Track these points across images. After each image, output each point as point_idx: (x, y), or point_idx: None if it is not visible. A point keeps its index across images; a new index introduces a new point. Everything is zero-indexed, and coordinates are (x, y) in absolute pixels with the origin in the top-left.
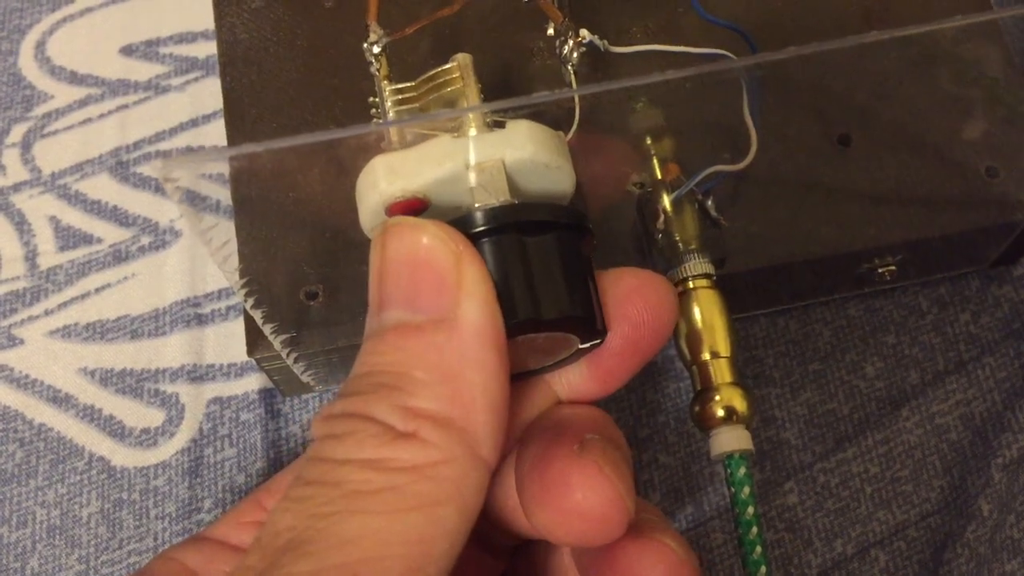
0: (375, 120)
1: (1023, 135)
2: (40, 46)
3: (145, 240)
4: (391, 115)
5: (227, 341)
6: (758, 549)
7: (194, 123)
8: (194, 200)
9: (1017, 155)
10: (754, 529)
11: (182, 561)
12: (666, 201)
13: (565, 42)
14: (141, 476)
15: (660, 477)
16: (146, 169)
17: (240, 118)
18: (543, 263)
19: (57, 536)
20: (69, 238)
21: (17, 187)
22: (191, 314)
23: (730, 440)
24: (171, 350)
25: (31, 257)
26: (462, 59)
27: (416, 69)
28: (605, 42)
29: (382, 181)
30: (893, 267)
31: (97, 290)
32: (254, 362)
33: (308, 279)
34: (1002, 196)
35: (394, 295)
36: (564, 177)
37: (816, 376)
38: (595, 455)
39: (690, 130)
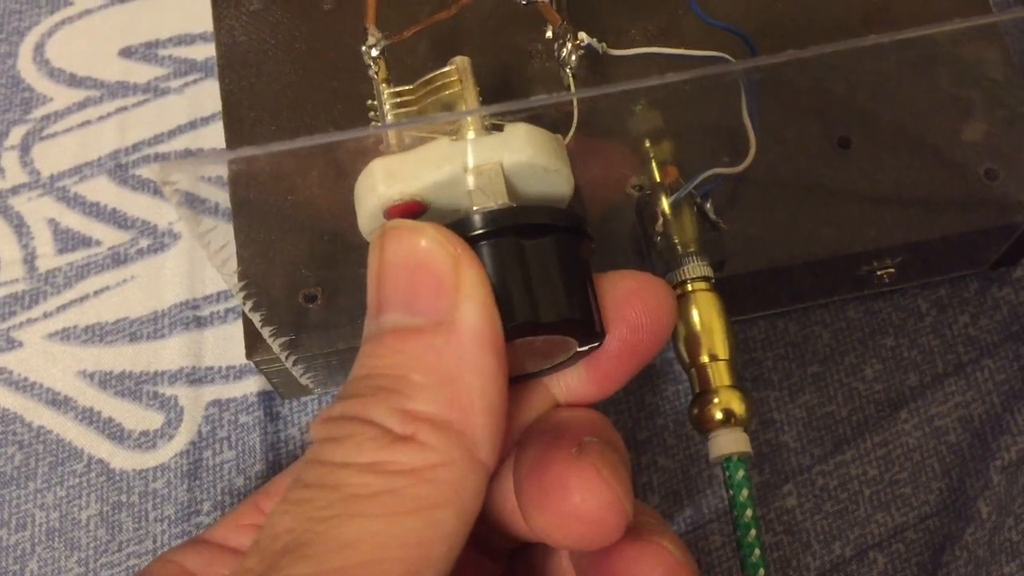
0: (373, 123)
1: (1023, 137)
2: (39, 48)
3: (144, 243)
4: (389, 118)
5: (226, 344)
6: (757, 551)
7: (193, 125)
8: (193, 203)
9: (1017, 157)
10: (753, 531)
11: (181, 564)
12: (665, 204)
13: (564, 45)
14: (140, 478)
15: (659, 479)
16: (145, 172)
17: (239, 120)
18: (541, 266)
19: (56, 539)
20: (68, 240)
21: (16, 189)
22: (190, 317)
23: (728, 443)
24: (170, 352)
25: (30, 259)
26: (460, 62)
27: (414, 72)
28: (604, 45)
29: (380, 184)
30: (892, 269)
31: (96, 292)
32: (253, 365)
33: (307, 282)
34: (1002, 198)
35: (392, 298)
36: (562, 180)
37: (815, 378)
38: (593, 458)
39: (689, 132)
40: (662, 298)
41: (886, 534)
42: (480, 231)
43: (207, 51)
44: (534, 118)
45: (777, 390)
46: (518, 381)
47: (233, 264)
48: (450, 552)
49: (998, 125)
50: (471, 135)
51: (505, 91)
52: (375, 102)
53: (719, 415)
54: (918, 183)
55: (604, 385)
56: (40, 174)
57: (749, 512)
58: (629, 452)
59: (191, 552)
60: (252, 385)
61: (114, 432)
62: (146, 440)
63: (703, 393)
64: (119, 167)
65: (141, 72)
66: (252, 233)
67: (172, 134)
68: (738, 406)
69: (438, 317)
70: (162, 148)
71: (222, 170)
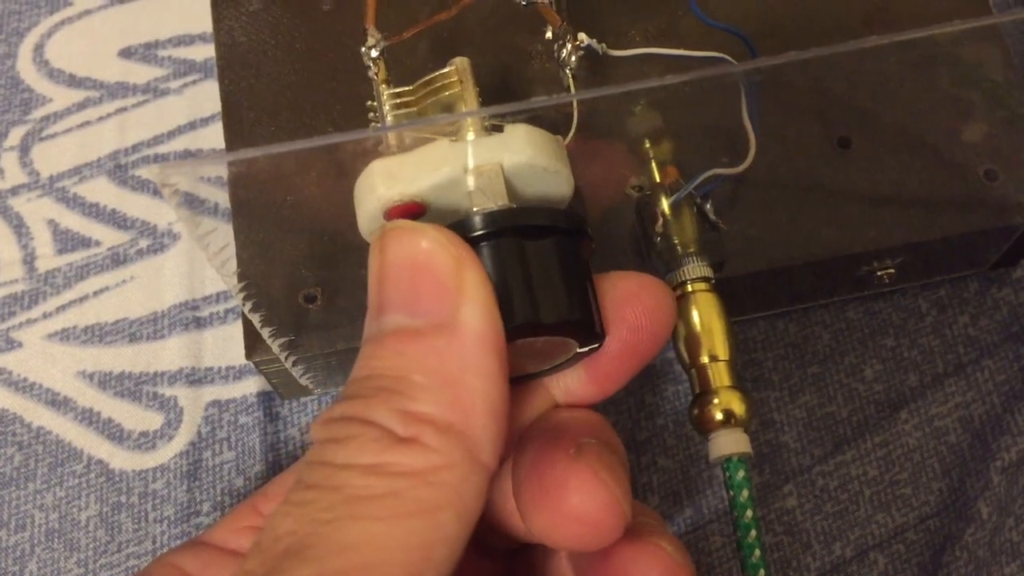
0: (373, 124)
1: (1023, 138)
2: (38, 49)
3: (143, 243)
4: (389, 119)
5: (225, 344)
6: (757, 552)
7: (192, 126)
8: (192, 203)
9: (1017, 158)
10: (753, 532)
11: (179, 566)
12: (665, 204)
13: (563, 45)
14: (140, 479)
15: (659, 480)
16: (144, 172)
17: (238, 121)
18: (542, 267)
19: (56, 539)
20: (67, 241)
21: (15, 190)
22: (189, 317)
23: (729, 443)
24: (169, 353)
25: (29, 260)
26: (460, 63)
27: (414, 72)
28: (603, 45)
29: (380, 186)
30: (892, 270)
31: (95, 293)
32: (252, 365)
33: (306, 282)
34: (1002, 199)
35: (394, 299)
36: (562, 181)
37: (815, 379)
38: (591, 459)
39: (689, 133)
40: (661, 299)
41: (886, 535)
42: (481, 232)
43: (206, 52)
44: (534, 119)
45: (777, 390)
46: (517, 382)
47: (233, 265)
48: (452, 554)
49: (998, 126)
50: (471, 136)
51: (505, 92)
52: (375, 103)
53: (719, 416)
54: (918, 184)
55: (603, 386)
56: (40, 175)
57: (749, 513)
58: (629, 453)
59: (189, 554)
60: (252, 386)
61: (114, 433)
62: (146, 441)
63: (703, 394)
64: (119, 168)
65: (141, 73)
66: (252, 234)
67: (172, 135)
68: (738, 407)
69: (440, 319)
70: (162, 149)
71: (222, 171)
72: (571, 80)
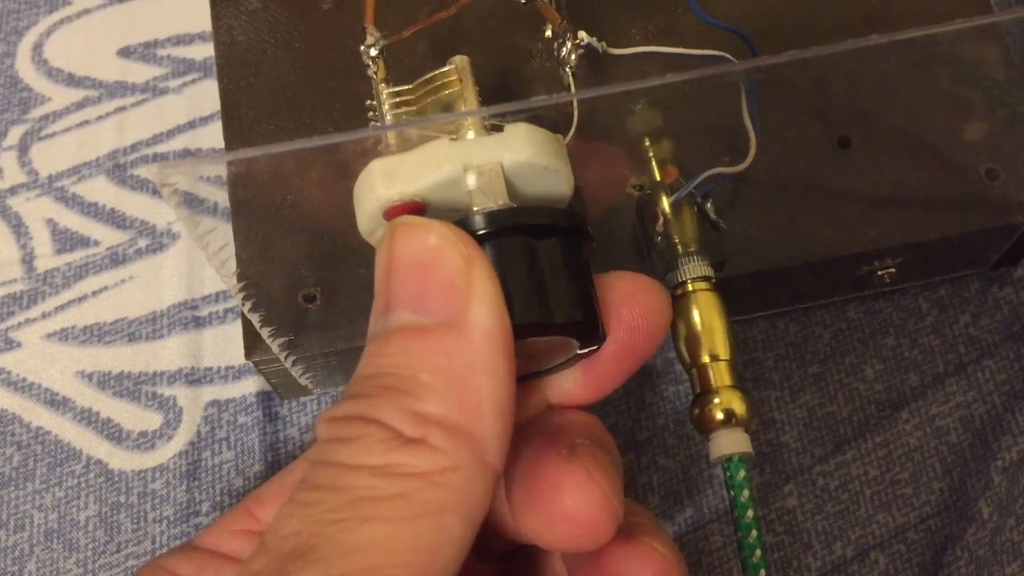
0: (373, 123)
1: (1023, 137)
2: (37, 48)
3: (142, 243)
4: (389, 118)
5: (225, 344)
6: (757, 552)
7: (191, 125)
8: (191, 202)
9: (1017, 157)
10: (753, 532)
11: (172, 570)
12: (665, 204)
13: (563, 44)
14: (139, 479)
15: (659, 480)
16: (143, 172)
17: (237, 120)
18: (549, 267)
19: (55, 540)
20: (66, 241)
21: (14, 190)
22: (189, 317)
23: (729, 443)
24: (169, 353)
25: (28, 260)
26: (460, 61)
27: (414, 71)
28: (603, 44)
29: (380, 185)
30: (893, 269)
31: (94, 293)
32: (252, 365)
33: (306, 282)
34: (1002, 198)
35: (402, 296)
36: (563, 180)
37: (815, 379)
38: (584, 460)
39: (689, 132)
40: (657, 300)
41: (887, 534)
42: (488, 230)
43: (206, 51)
44: (534, 118)
45: (778, 390)
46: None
47: (232, 265)
48: (457, 556)
49: (999, 125)
50: (471, 135)
51: (505, 90)
52: (374, 102)
53: (720, 415)
54: (919, 183)
55: (599, 387)
56: (38, 174)
57: (750, 513)
58: (630, 452)
59: (182, 558)
60: (251, 385)
61: (113, 433)
62: (145, 441)
63: (704, 393)
64: (118, 167)
65: (140, 72)
66: (251, 233)
67: (171, 134)
68: (739, 406)
69: (449, 317)
70: (161, 148)
71: (221, 171)
72: (571, 79)
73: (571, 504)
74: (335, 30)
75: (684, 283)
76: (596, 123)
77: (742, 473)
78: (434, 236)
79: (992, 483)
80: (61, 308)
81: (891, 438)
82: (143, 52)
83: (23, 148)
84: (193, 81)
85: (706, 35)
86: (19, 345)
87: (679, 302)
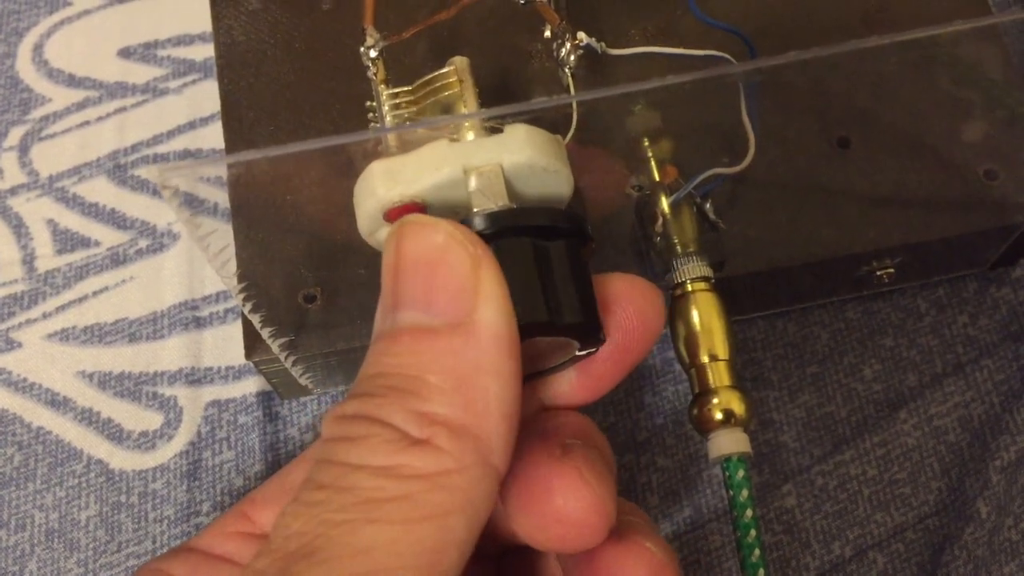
0: (372, 124)
1: (1022, 137)
2: (38, 49)
3: (143, 243)
4: (388, 119)
5: (225, 344)
6: (756, 552)
7: (192, 126)
8: (192, 203)
9: (1016, 157)
10: (752, 532)
11: (168, 572)
12: (664, 204)
13: (562, 44)
14: (139, 479)
15: (658, 480)
16: (144, 173)
17: (238, 121)
18: (554, 268)
19: (56, 539)
20: (67, 241)
21: (15, 190)
22: (189, 317)
23: (728, 443)
24: (169, 353)
25: (29, 260)
26: (459, 62)
27: (413, 72)
28: (602, 44)
29: (380, 187)
30: (892, 270)
31: (95, 293)
32: (252, 365)
33: (306, 282)
34: (1001, 199)
35: (409, 295)
36: (562, 181)
37: (814, 379)
38: (577, 461)
39: (688, 133)
40: (651, 301)
41: (885, 534)
42: (494, 231)
43: (206, 51)
44: (533, 119)
45: (776, 390)
46: None
47: (232, 266)
48: (460, 558)
49: (998, 126)
50: (471, 136)
51: (504, 91)
52: (374, 103)
53: (719, 415)
54: (918, 183)
55: (593, 388)
56: (39, 175)
57: (749, 512)
58: (629, 452)
59: (178, 560)
60: (251, 385)
61: (113, 433)
62: (145, 441)
63: (703, 393)
64: (118, 167)
65: (140, 72)
66: (251, 234)
67: (171, 134)
68: (738, 406)
69: (456, 318)
70: (161, 149)
71: (221, 173)
72: (570, 79)
73: (563, 505)
74: (335, 30)
75: (683, 283)
76: (595, 124)
77: (741, 473)
78: (441, 235)
79: (990, 483)
80: (62, 308)
81: (889, 438)
82: (143, 53)
83: (24, 149)
84: (193, 82)
85: (705, 35)
86: (20, 345)
87: (678, 302)
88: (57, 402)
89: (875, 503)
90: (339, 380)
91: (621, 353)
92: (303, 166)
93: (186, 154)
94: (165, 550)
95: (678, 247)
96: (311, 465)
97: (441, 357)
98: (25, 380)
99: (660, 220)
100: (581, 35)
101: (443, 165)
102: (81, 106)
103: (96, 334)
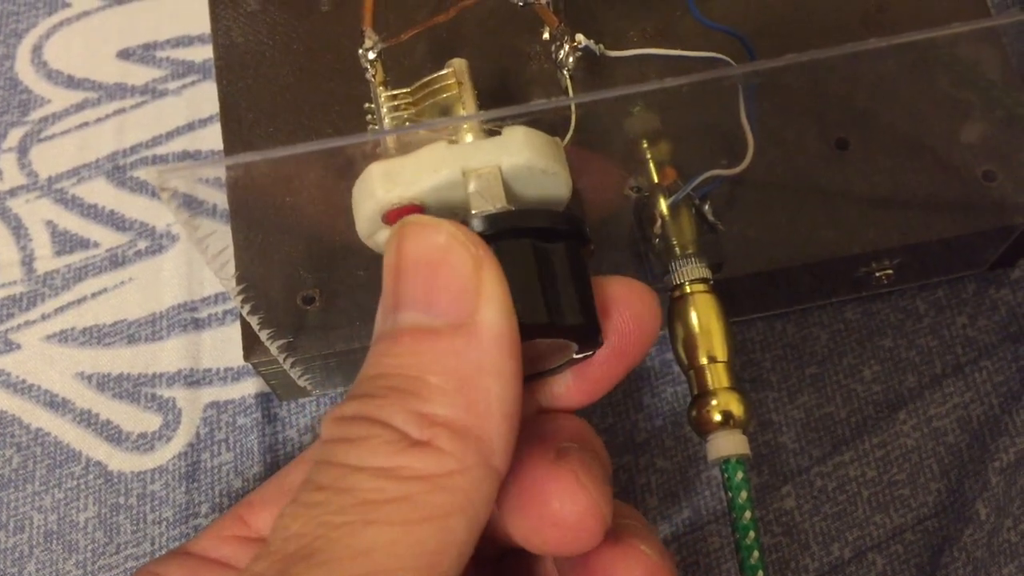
0: (371, 126)
1: (1021, 138)
2: (37, 50)
3: (142, 244)
4: (387, 121)
5: (224, 345)
6: (755, 553)
7: (191, 127)
8: (190, 204)
9: (1015, 158)
10: (751, 533)
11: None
12: (663, 205)
13: (561, 46)
14: (138, 481)
15: (657, 481)
16: (143, 173)
17: (236, 122)
18: (555, 269)
19: (54, 541)
20: (66, 242)
21: (14, 191)
22: (188, 319)
23: (727, 444)
24: (168, 355)
25: (28, 262)
26: (458, 64)
27: (412, 73)
28: (601, 46)
29: (379, 189)
30: (890, 271)
31: (94, 295)
32: (251, 366)
33: (305, 284)
34: (1000, 200)
35: (410, 296)
36: (560, 183)
37: (813, 380)
38: (572, 464)
39: (687, 134)
40: (648, 304)
41: (885, 535)
42: (494, 232)
43: (205, 53)
44: (532, 121)
45: (775, 391)
46: None
47: (231, 268)
48: (460, 560)
49: (996, 127)
50: (469, 138)
51: (503, 93)
52: (372, 105)
53: (718, 417)
54: (916, 185)
55: (589, 391)
56: (38, 176)
57: (748, 514)
58: (627, 454)
59: (174, 564)
60: (250, 387)
61: (112, 434)
62: (144, 442)
63: (702, 395)
64: (117, 169)
65: (139, 74)
66: (250, 236)
67: (170, 136)
68: (737, 408)
69: (458, 319)
70: (160, 150)
71: (220, 175)
72: (569, 81)
73: (558, 508)
74: (334, 32)
75: (682, 285)
76: (594, 125)
77: (740, 474)
78: (443, 236)
79: (989, 484)
80: (61, 310)
81: (889, 439)
82: (142, 54)
83: (23, 150)
84: (192, 83)
85: (704, 37)
86: (19, 347)
87: (677, 304)
88: (56, 403)
89: (874, 504)
90: (338, 381)
91: (617, 357)
92: (302, 168)
93: (185, 155)
94: (164, 552)
95: (677, 249)
96: (310, 466)
97: (442, 358)
98: (24, 381)
99: (659, 222)
100: (580, 37)
101: (442, 167)
102: (80, 107)
103: (95, 335)
